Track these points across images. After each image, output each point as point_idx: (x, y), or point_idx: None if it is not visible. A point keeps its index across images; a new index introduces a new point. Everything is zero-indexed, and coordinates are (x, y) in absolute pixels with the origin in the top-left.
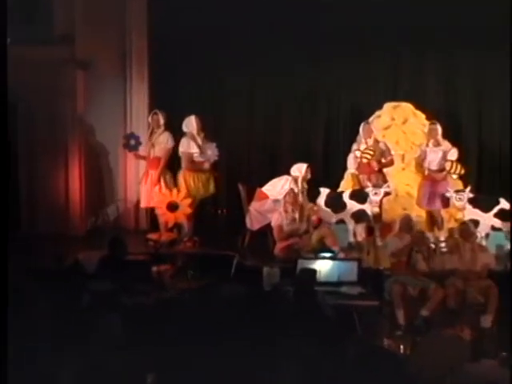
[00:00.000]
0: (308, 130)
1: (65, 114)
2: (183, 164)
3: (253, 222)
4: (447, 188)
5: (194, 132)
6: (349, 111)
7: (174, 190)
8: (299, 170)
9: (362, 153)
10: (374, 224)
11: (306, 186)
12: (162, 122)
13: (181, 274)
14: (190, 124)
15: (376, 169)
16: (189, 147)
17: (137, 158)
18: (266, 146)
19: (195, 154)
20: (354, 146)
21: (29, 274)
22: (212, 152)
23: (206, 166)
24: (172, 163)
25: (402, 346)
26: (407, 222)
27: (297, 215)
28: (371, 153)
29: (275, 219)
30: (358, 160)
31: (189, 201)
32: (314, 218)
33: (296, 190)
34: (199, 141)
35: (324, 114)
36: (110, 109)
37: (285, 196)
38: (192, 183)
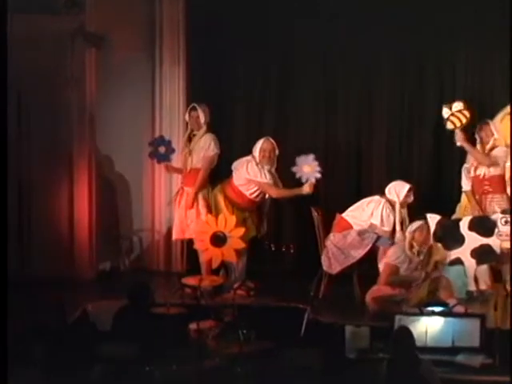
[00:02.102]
0: (409, 133)
1: (69, 107)
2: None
3: (331, 261)
4: None
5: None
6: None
7: (221, 216)
8: (398, 191)
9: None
10: (504, 266)
11: (405, 214)
12: (202, 120)
13: (230, 335)
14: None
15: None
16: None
17: (169, 171)
18: (348, 156)
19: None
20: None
21: (21, 333)
22: (311, 168)
23: (307, 189)
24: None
25: None
26: None
27: (421, 257)
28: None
29: (392, 255)
30: (470, 174)
31: (241, 231)
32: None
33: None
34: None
35: (432, 111)
36: (132, 101)
37: (414, 231)
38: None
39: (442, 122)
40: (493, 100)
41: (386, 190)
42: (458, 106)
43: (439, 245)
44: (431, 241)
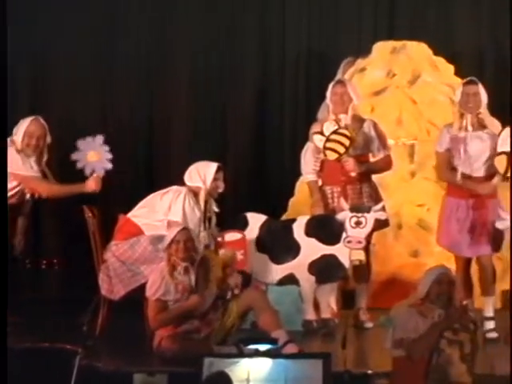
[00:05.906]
0: (216, 98)
1: None
2: None
3: (113, 282)
4: (498, 210)
5: None
6: (304, 61)
7: None
8: (202, 174)
9: (328, 140)
10: (356, 285)
11: (215, 208)
12: None
13: None
14: None
15: (355, 173)
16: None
17: None
18: (137, 136)
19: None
20: (314, 128)
21: None
22: (98, 155)
23: (91, 185)
24: None
25: None
26: (446, 279)
27: (193, 276)
28: (346, 141)
29: (151, 287)
30: (321, 156)
31: None
32: (233, 273)
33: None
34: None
35: (257, 69)
36: None
37: (170, 242)
38: None
39: (266, 85)
40: (344, 48)
41: (186, 176)
42: (329, 126)
43: (226, 250)
44: (203, 244)
